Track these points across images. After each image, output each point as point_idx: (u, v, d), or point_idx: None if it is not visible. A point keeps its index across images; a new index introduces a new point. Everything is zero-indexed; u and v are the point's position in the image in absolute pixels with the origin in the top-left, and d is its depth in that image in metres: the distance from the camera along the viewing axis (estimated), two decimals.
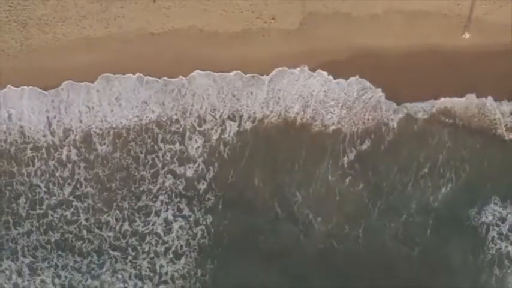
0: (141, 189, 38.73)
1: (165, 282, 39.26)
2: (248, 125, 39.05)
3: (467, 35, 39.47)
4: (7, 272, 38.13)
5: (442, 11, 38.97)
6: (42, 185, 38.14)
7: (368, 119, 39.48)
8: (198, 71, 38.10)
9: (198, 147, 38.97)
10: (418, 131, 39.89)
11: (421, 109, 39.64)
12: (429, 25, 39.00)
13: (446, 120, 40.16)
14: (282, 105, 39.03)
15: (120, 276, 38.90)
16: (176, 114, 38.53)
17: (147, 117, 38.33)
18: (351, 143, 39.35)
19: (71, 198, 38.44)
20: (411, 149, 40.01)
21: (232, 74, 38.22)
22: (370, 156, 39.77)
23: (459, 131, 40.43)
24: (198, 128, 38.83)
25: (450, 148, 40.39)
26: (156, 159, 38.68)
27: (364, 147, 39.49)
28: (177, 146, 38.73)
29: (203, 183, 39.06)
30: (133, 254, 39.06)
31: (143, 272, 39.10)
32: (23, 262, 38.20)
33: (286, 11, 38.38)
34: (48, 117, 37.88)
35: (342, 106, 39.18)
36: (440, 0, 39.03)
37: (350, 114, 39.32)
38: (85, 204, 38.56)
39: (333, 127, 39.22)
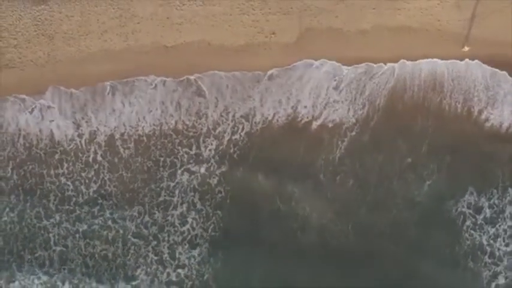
0: (161, 186, 39.79)
1: (183, 266, 39.96)
2: (259, 124, 40.27)
3: (466, 48, 40.78)
4: (40, 260, 39.26)
5: (424, 27, 40.55)
6: (69, 183, 39.52)
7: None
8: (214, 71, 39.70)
9: (212, 148, 40.11)
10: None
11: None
12: (412, 40, 40.45)
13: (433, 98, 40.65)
14: (294, 99, 40.25)
15: (142, 260, 39.76)
16: (190, 120, 39.77)
17: (166, 122, 39.56)
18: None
19: (96, 196, 39.64)
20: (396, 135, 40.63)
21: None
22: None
23: (443, 116, 40.85)
24: (212, 133, 39.99)
25: (432, 135, 40.65)
26: (176, 160, 39.80)
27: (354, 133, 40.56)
28: (194, 149, 39.91)
29: (214, 179, 40.05)
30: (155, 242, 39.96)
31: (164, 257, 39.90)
32: (54, 251, 39.29)
33: (285, 27, 40.15)
34: (75, 119, 39.30)
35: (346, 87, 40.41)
36: (422, 17, 40.48)
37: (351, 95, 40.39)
38: (110, 202, 39.74)
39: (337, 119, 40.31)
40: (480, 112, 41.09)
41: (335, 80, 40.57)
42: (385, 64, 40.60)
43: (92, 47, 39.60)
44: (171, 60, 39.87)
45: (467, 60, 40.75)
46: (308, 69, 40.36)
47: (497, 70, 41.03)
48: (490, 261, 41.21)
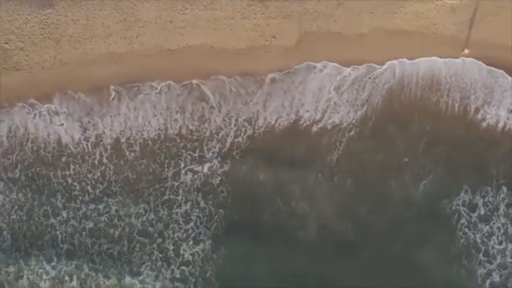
0: (165, 185, 40.44)
1: (187, 263, 40.65)
2: (261, 128, 40.77)
3: (466, 51, 40.94)
4: (48, 255, 39.87)
5: (420, 30, 40.70)
6: (76, 183, 40.09)
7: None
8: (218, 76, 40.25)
9: (215, 151, 40.67)
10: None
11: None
12: (409, 43, 40.66)
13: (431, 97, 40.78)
14: (297, 103, 40.61)
15: (147, 257, 40.43)
16: (193, 125, 40.27)
17: (171, 126, 40.14)
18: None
19: (101, 195, 40.32)
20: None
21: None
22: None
23: (440, 114, 40.91)
24: (216, 136, 40.57)
25: (429, 133, 40.69)
26: (180, 161, 40.37)
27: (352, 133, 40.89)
28: (197, 152, 40.42)
29: (216, 179, 40.65)
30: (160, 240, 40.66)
31: (169, 254, 40.58)
32: (61, 248, 39.93)
33: (285, 31, 40.56)
34: (82, 123, 39.77)
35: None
36: (418, 20, 40.63)
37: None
38: (116, 199, 40.34)
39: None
40: (477, 111, 41.27)
41: (337, 82, 41.06)
42: (385, 63, 41.16)
43: (97, 50, 40.00)
44: (174, 63, 40.32)
45: (463, 57, 41.21)
46: (310, 72, 40.92)
47: (494, 68, 41.40)
48: (484, 259, 41.48)
